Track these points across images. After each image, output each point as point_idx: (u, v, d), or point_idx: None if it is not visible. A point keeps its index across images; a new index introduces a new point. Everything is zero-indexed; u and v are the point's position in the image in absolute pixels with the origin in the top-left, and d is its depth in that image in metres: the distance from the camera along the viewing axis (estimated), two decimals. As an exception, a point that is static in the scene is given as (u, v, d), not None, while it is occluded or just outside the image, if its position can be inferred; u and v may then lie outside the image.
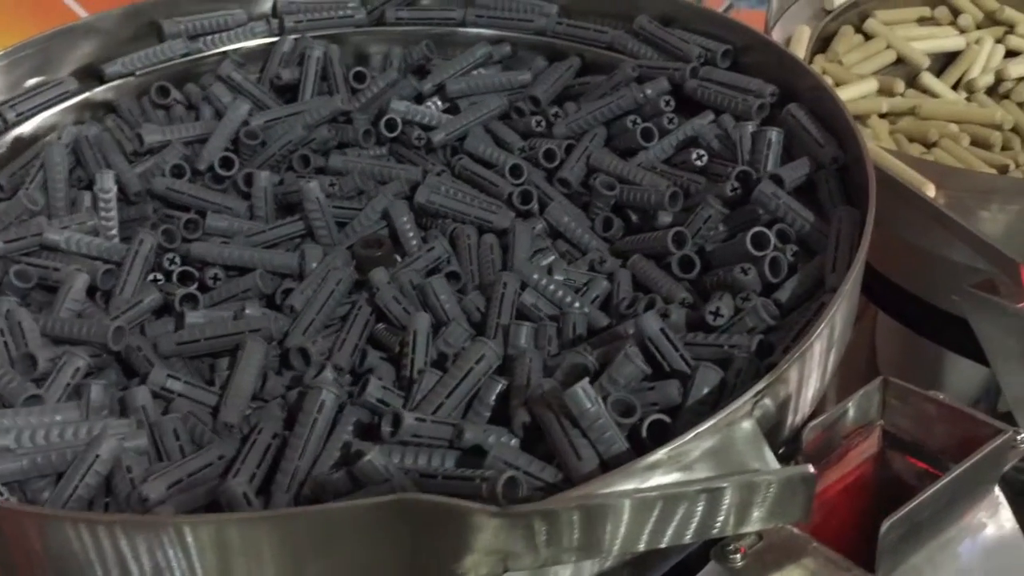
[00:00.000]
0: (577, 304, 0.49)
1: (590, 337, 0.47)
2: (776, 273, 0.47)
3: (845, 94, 0.69)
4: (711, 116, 0.58)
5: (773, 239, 0.47)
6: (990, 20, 0.78)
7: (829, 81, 0.71)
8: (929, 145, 0.70)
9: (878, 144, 0.67)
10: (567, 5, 0.67)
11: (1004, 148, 0.71)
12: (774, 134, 0.53)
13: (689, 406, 0.40)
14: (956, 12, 0.78)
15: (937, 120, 0.71)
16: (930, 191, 0.55)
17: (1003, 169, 0.67)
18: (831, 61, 0.73)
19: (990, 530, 0.36)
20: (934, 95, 0.75)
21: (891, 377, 0.39)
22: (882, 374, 0.74)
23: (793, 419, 0.41)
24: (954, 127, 0.70)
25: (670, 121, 0.59)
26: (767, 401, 0.38)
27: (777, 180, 0.51)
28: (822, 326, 0.40)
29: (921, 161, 0.58)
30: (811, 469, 0.34)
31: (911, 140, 0.71)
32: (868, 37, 0.76)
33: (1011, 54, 0.76)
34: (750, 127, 0.55)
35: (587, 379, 0.38)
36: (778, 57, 0.57)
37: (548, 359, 0.45)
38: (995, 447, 0.35)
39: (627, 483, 0.35)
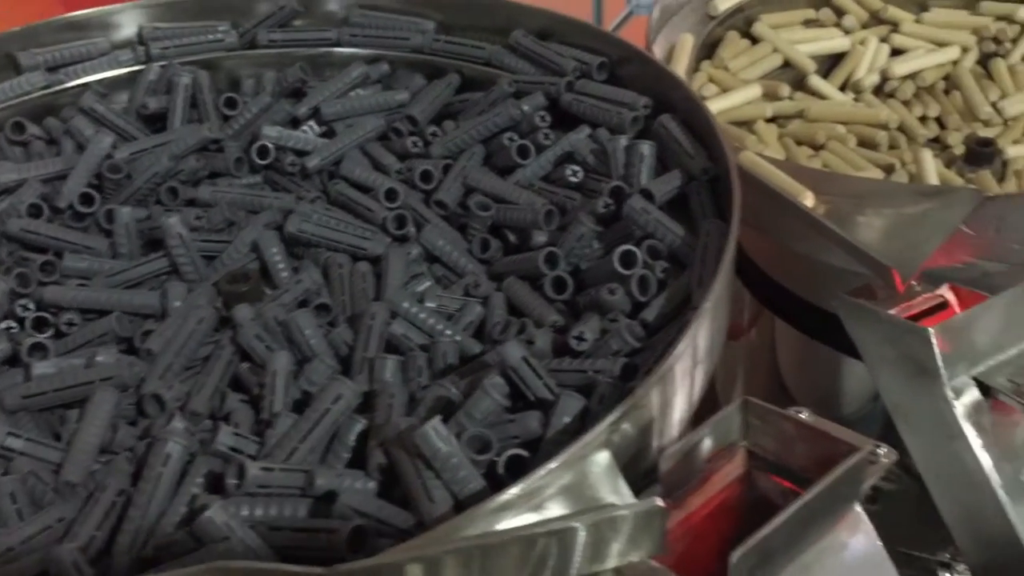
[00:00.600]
0: (449, 332, 0.48)
1: (463, 365, 0.46)
2: (645, 291, 0.46)
3: (729, 100, 0.69)
4: (587, 130, 0.57)
5: (641, 257, 0.46)
6: (875, 19, 0.78)
7: (714, 89, 0.71)
8: (817, 147, 0.70)
9: (764, 150, 0.66)
10: (445, 21, 0.66)
11: (891, 147, 0.71)
12: (646, 147, 0.52)
13: (550, 437, 0.39)
14: (840, 13, 0.78)
15: (825, 122, 0.72)
16: (808, 199, 0.55)
17: (889, 169, 0.67)
18: (717, 67, 0.73)
19: (852, 549, 0.35)
20: (822, 97, 0.75)
21: (751, 398, 0.38)
22: (785, 382, 0.75)
23: (659, 443, 0.40)
24: (841, 128, 0.70)
25: (546, 137, 0.57)
26: (626, 428, 0.37)
27: (647, 195, 0.50)
28: (682, 346, 0.39)
29: (798, 167, 0.57)
30: (660, 502, 0.33)
31: (800, 143, 0.71)
32: (755, 41, 0.76)
33: (896, 52, 0.77)
34: (623, 141, 0.54)
35: (438, 417, 0.37)
36: (651, 68, 0.57)
37: (418, 391, 0.44)
38: (851, 466, 0.34)
39: (476, 527, 0.33)
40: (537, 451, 0.39)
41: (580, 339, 0.43)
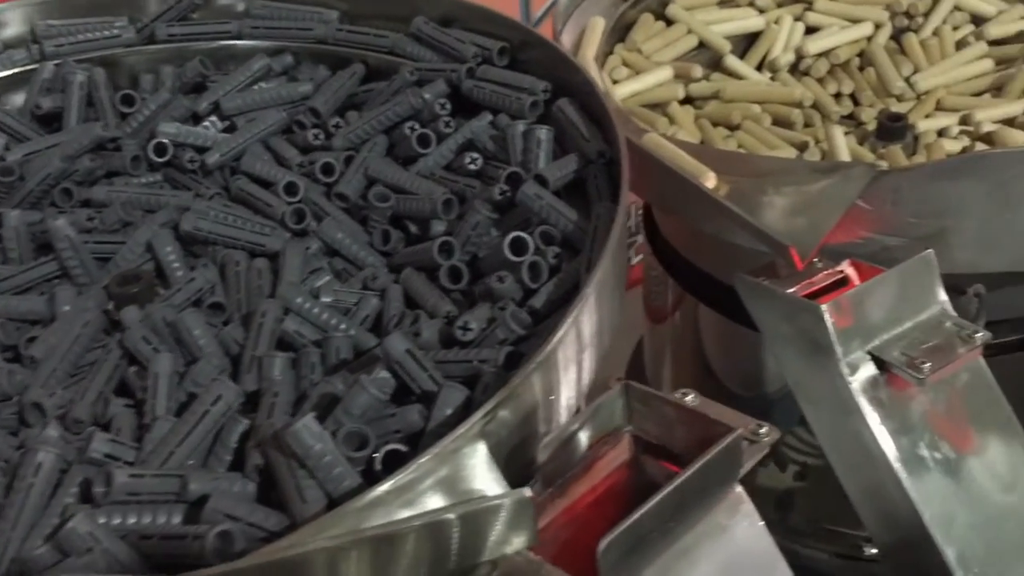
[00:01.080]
0: (343, 326, 0.47)
1: (357, 360, 0.45)
2: (536, 278, 0.45)
3: (640, 83, 0.68)
4: (489, 117, 0.56)
5: (532, 243, 0.46)
6: (791, -2, 0.78)
7: (625, 72, 0.70)
8: (733, 128, 0.70)
9: (677, 132, 0.66)
10: (348, 11, 0.65)
11: (807, 125, 0.71)
12: (543, 132, 0.52)
13: (431, 430, 0.38)
14: (754, -8, 0.78)
15: (740, 102, 0.71)
16: (710, 180, 0.54)
17: (803, 146, 0.67)
18: (631, 50, 0.72)
19: (733, 531, 0.35)
20: (739, 77, 0.75)
21: (632, 381, 0.38)
22: (711, 364, 0.75)
23: (547, 431, 0.39)
24: (757, 108, 0.70)
25: (447, 125, 0.57)
26: (505, 417, 0.36)
27: (541, 180, 0.49)
28: (562, 332, 0.38)
29: (702, 148, 0.57)
30: (527, 492, 0.32)
31: (716, 124, 0.70)
32: (670, 23, 0.76)
33: (811, 30, 0.77)
34: (521, 126, 0.53)
35: (312, 415, 0.36)
36: (551, 53, 0.56)
37: (310, 389, 0.43)
38: (726, 446, 0.34)
39: (345, 525, 0.32)
40: (418, 446, 0.38)
41: (465, 329, 0.42)
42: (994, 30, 0.72)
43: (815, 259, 0.52)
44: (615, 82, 0.68)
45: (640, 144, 0.57)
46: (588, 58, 0.65)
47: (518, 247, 0.45)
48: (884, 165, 0.60)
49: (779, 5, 0.78)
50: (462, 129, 0.56)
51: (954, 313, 0.47)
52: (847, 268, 0.51)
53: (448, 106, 0.57)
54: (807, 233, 0.50)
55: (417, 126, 0.57)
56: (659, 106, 0.69)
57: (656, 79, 0.68)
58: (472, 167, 0.54)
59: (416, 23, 0.62)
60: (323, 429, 0.36)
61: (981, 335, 0.46)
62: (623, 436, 0.38)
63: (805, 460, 0.72)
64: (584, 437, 0.36)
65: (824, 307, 0.45)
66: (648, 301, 0.78)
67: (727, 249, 0.59)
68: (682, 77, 0.71)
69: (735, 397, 0.74)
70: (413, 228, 0.54)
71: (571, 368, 0.40)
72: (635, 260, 0.95)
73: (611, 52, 0.72)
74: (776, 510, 0.74)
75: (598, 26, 0.69)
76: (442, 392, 0.39)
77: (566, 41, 0.68)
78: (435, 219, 0.52)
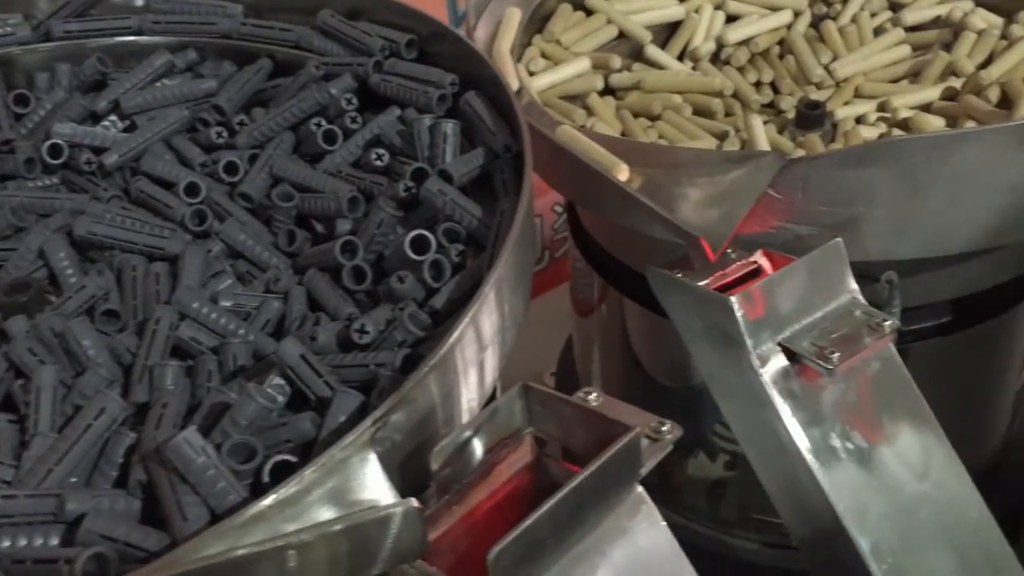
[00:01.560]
0: (242, 332, 0.45)
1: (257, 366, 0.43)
2: (438, 277, 0.44)
3: (558, 74, 0.67)
4: (397, 112, 0.55)
5: (435, 241, 0.44)
6: (710, -13, 0.78)
7: (542, 64, 0.69)
8: (654, 118, 0.69)
9: (596, 123, 0.65)
10: (254, 4, 0.63)
11: (727, 114, 0.71)
12: (450, 126, 0.50)
13: (324, 439, 0.37)
14: (674, -19, 0.77)
15: (661, 92, 0.71)
16: (622, 172, 0.53)
17: (723, 136, 0.67)
18: (549, 41, 0.71)
19: (634, 533, 0.34)
20: (660, 67, 0.74)
21: (531, 383, 0.36)
22: (638, 356, 0.74)
23: (452, 435, 0.38)
24: (677, 98, 0.70)
25: (354, 120, 0.55)
26: (398, 423, 0.35)
27: (445, 176, 0.48)
28: (458, 332, 0.37)
29: (615, 140, 0.56)
30: (414, 503, 0.31)
31: (637, 115, 0.70)
32: (590, 13, 0.75)
33: (731, 19, 0.76)
34: (427, 121, 0.52)
35: (193, 427, 0.34)
36: (458, 45, 0.54)
37: (206, 398, 0.41)
38: (623, 447, 0.33)
39: (225, 542, 0.31)
40: (310, 455, 0.36)
41: (362, 332, 0.41)
42: (910, 16, 0.72)
43: (728, 250, 0.51)
44: (532, 74, 0.67)
45: (553, 137, 0.56)
46: (503, 50, 0.64)
47: (420, 246, 0.44)
48: (795, 154, 0.59)
49: (700, -6, 0.78)
50: (369, 125, 0.55)
51: (864, 302, 0.47)
52: (760, 258, 0.51)
53: (355, 101, 0.56)
54: (719, 224, 0.50)
55: (323, 122, 0.55)
56: (579, 97, 0.69)
57: (574, 70, 0.67)
58: (379, 163, 0.52)
59: (322, 16, 0.60)
60: (207, 441, 0.34)
61: (890, 323, 0.45)
62: (524, 438, 0.37)
63: (735, 450, 0.71)
64: (482, 441, 0.35)
65: (733, 299, 0.44)
66: (575, 294, 0.78)
67: (645, 242, 0.58)
68: (601, 68, 0.70)
69: (663, 389, 0.73)
70: (319, 227, 0.52)
71: (471, 369, 0.39)
72: (559, 253, 0.95)
73: (529, 43, 0.71)
74: (707, 500, 0.74)
75: (514, 17, 0.68)
76: (336, 398, 0.37)
77: (481, 34, 0.66)
78: (341, 218, 0.50)
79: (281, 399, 0.39)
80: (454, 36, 0.55)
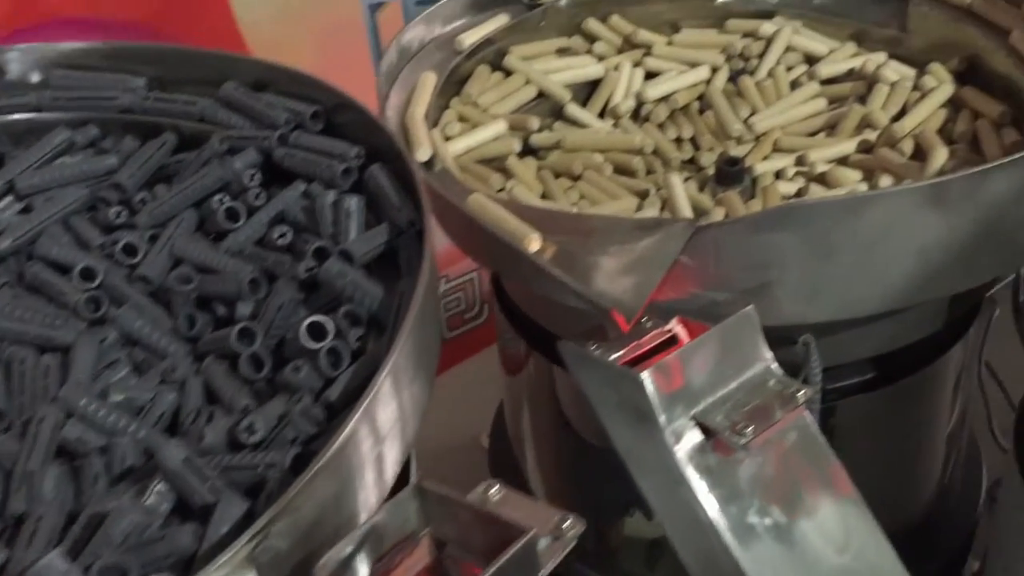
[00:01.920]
0: (133, 428, 0.43)
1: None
2: (336, 365, 0.42)
3: (474, 138, 0.66)
4: (302, 186, 0.53)
5: (332, 327, 0.43)
6: (628, 44, 0.78)
7: (458, 128, 0.68)
8: (576, 178, 0.69)
9: (515, 187, 0.64)
10: (156, 76, 0.61)
11: (648, 172, 0.70)
12: (353, 202, 0.49)
13: (205, 552, 0.34)
14: (592, 39, 0.77)
15: (582, 151, 0.70)
16: (534, 242, 0.52)
17: (644, 195, 0.66)
18: (466, 104, 0.70)
19: (534, 640, 0.32)
20: (582, 126, 0.74)
21: (425, 483, 0.35)
22: (566, 416, 0.73)
23: (337, 545, 0.36)
24: (598, 157, 0.69)
25: (257, 196, 0.53)
26: (283, 531, 0.33)
27: (346, 255, 0.46)
28: (348, 428, 0.35)
29: (527, 207, 0.55)
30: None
31: (558, 175, 0.69)
32: (509, 74, 0.74)
33: (651, 76, 0.76)
34: (331, 196, 0.50)
35: (57, 550, 0.32)
36: (361, 116, 0.53)
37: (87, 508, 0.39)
38: (516, 552, 0.31)
39: None
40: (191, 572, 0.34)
41: (251, 430, 0.39)
42: (825, 70, 0.72)
43: (644, 319, 0.51)
44: (448, 138, 0.66)
45: (463, 207, 0.55)
46: (416, 117, 0.63)
47: (317, 332, 0.42)
48: (714, 213, 0.59)
49: (619, 51, 0.78)
50: (274, 201, 0.53)
51: (779, 371, 0.46)
52: (676, 326, 0.50)
53: (258, 177, 0.54)
54: (632, 294, 0.49)
55: (227, 199, 0.54)
56: (495, 160, 0.68)
57: (490, 133, 0.67)
58: (282, 242, 0.51)
59: (226, 88, 0.58)
60: (73, 565, 0.32)
61: (803, 393, 0.44)
62: (421, 540, 0.35)
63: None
64: (373, 548, 0.33)
65: (644, 375, 0.43)
66: (503, 353, 0.76)
67: (563, 308, 0.57)
68: (519, 129, 0.69)
69: (595, 449, 0.72)
70: (221, 310, 0.50)
71: (367, 466, 0.37)
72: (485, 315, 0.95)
73: (447, 106, 0.70)
74: (644, 563, 0.72)
75: (429, 82, 0.67)
76: (218, 507, 0.35)
77: (395, 100, 0.65)
78: (242, 300, 0.48)
79: (165, 506, 0.36)
80: (359, 108, 0.53)
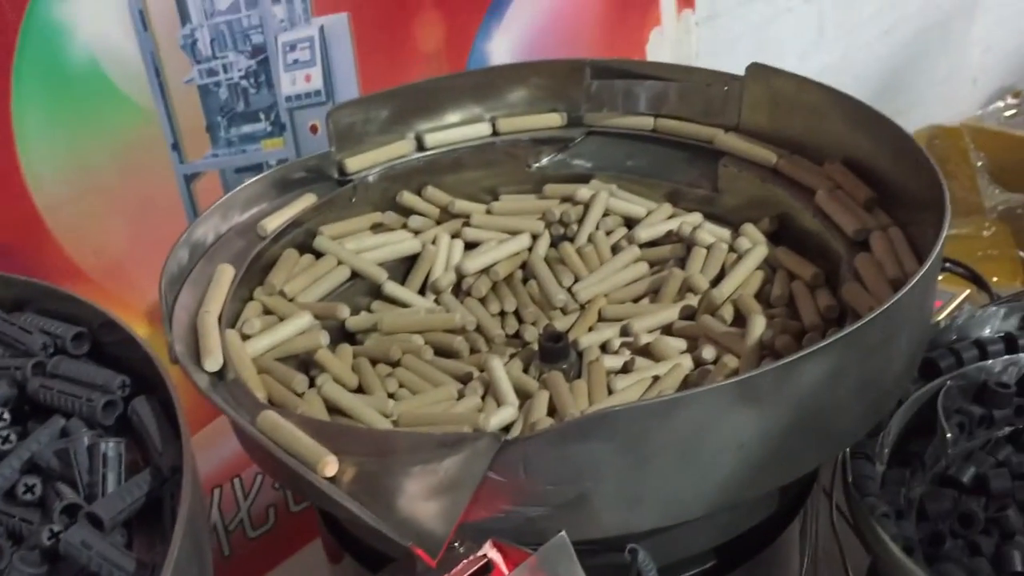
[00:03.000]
0: None
1: None
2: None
3: (277, 335, 0.61)
4: (61, 423, 0.47)
5: (68, 619, 0.36)
6: (446, 214, 0.75)
7: (257, 326, 0.62)
8: (394, 364, 0.64)
9: (325, 383, 0.59)
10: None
11: (473, 351, 0.67)
12: (111, 446, 0.43)
13: None
14: (407, 213, 0.74)
15: (401, 333, 0.66)
16: (329, 465, 0.47)
17: (466, 378, 0.62)
18: (271, 294, 0.65)
19: None
20: (402, 304, 0.70)
21: None
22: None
23: None
24: (419, 339, 0.65)
25: (6, 440, 0.46)
26: None
27: (94, 519, 0.40)
28: None
29: (323, 424, 0.50)
30: None
31: (376, 362, 0.64)
32: (320, 255, 0.70)
33: (472, 246, 0.74)
34: (86, 440, 0.44)
35: None
36: (126, 339, 0.48)
37: None
38: None
39: None
40: None
41: None
42: (643, 233, 0.71)
43: (456, 543, 0.46)
44: (247, 337, 0.60)
45: (252, 429, 0.49)
46: (208, 320, 0.58)
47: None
48: (539, 402, 0.55)
49: (437, 223, 0.75)
50: (26, 442, 0.46)
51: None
52: (490, 551, 0.45)
53: (6, 416, 0.47)
54: (437, 522, 0.44)
55: (-30, 444, 0.46)
56: (306, 355, 0.63)
57: (294, 328, 0.62)
58: (28, 496, 0.44)
59: (-24, 312, 0.52)
60: None
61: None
62: None
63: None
64: None
65: (444, 633, 0.38)
66: (324, 537, 0.69)
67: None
68: (327, 318, 0.65)
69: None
70: (-44, 586, 0.42)
71: None
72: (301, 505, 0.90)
73: (251, 298, 0.65)
74: None
75: (225, 276, 0.62)
76: None
77: (187, 299, 0.60)
78: (-23, 575, 0.41)
79: None
80: (122, 329, 0.48)
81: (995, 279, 1.54)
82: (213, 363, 0.54)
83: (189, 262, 0.61)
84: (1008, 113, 1.79)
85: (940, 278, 0.94)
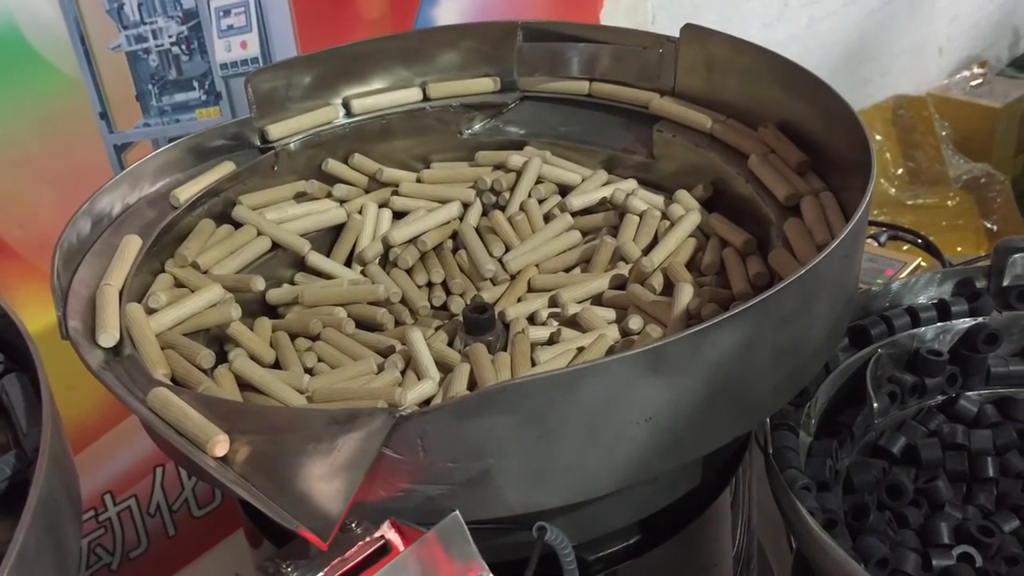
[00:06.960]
0: None
1: None
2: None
3: (185, 308, 0.58)
4: (-68, 402, 0.44)
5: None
6: (375, 183, 0.73)
7: (163, 300, 0.59)
8: (314, 338, 0.62)
9: (237, 358, 0.56)
10: None
11: (398, 323, 0.64)
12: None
13: None
14: (334, 182, 0.72)
15: (323, 306, 0.64)
16: (220, 445, 0.45)
17: (388, 351, 0.60)
18: (182, 267, 0.62)
19: None
20: (326, 276, 0.67)
21: None
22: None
23: None
24: (341, 312, 0.63)
25: None
26: None
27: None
28: None
29: (215, 401, 0.47)
30: None
31: (295, 336, 0.62)
32: (239, 226, 0.67)
33: (401, 215, 0.71)
34: (-49, 420, 0.41)
35: None
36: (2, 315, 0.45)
37: None
38: None
39: None
40: None
41: None
42: (576, 201, 0.69)
43: (354, 523, 0.43)
44: (152, 311, 0.58)
45: (143, 407, 0.47)
46: (107, 293, 0.55)
47: None
48: (460, 374, 0.53)
49: (366, 192, 0.72)
50: None
51: (493, 579, 0.40)
52: (388, 532, 0.43)
53: None
54: (329, 503, 0.41)
55: None
56: (219, 329, 0.60)
57: (203, 302, 0.59)
58: None
59: None
60: None
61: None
62: None
63: None
64: None
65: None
66: (245, 524, 0.67)
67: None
68: (241, 291, 0.62)
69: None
70: None
71: None
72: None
73: (163, 270, 0.62)
74: None
75: (130, 248, 0.59)
76: None
77: (87, 273, 0.57)
78: None
79: None
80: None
81: (959, 249, 1.53)
82: (108, 339, 0.52)
83: (91, 233, 0.58)
84: (974, 83, 1.77)
85: (902, 247, 0.92)
